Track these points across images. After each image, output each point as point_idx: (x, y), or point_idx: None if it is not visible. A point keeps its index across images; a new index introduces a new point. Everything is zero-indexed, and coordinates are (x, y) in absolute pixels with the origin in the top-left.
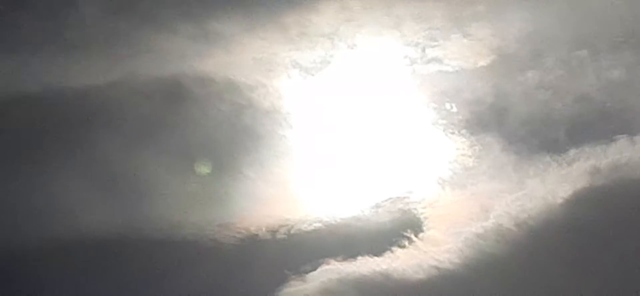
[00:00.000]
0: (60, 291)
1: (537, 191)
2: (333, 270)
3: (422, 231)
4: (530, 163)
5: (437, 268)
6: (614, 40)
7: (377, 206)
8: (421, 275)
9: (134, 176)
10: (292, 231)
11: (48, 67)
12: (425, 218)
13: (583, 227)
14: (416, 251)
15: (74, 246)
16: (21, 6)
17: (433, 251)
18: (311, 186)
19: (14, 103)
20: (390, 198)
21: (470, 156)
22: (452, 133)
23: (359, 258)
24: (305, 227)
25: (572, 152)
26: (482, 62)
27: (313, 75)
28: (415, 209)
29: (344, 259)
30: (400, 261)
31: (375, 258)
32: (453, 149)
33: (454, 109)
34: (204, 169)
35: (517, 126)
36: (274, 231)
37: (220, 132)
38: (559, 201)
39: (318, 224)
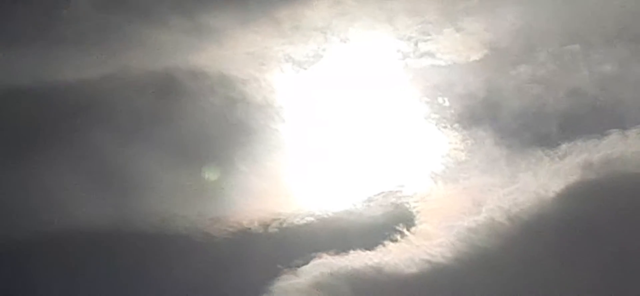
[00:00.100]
0: (52, 285)
1: (529, 185)
2: (325, 263)
3: (414, 225)
4: (523, 157)
5: (429, 262)
6: (607, 35)
7: (370, 200)
8: (413, 269)
9: (127, 170)
10: (284, 225)
11: (40, 61)
12: (418, 212)
13: (575, 221)
14: (408, 245)
15: (66, 239)
16: (13, 0)
17: (425, 245)
18: (303, 180)
19: (6, 97)
20: (382, 192)
21: (462, 150)
22: (445, 127)
23: (351, 252)
24: (298, 221)
25: (565, 146)
26: (475, 57)
27: (306, 69)
28: (407, 203)
29: (336, 253)
30: (392, 255)
31: (368, 252)
32: (445, 143)
33: (447, 103)
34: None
35: (509, 121)
36: (266, 225)
37: (213, 126)
38: (551, 195)
39: (310, 218)
